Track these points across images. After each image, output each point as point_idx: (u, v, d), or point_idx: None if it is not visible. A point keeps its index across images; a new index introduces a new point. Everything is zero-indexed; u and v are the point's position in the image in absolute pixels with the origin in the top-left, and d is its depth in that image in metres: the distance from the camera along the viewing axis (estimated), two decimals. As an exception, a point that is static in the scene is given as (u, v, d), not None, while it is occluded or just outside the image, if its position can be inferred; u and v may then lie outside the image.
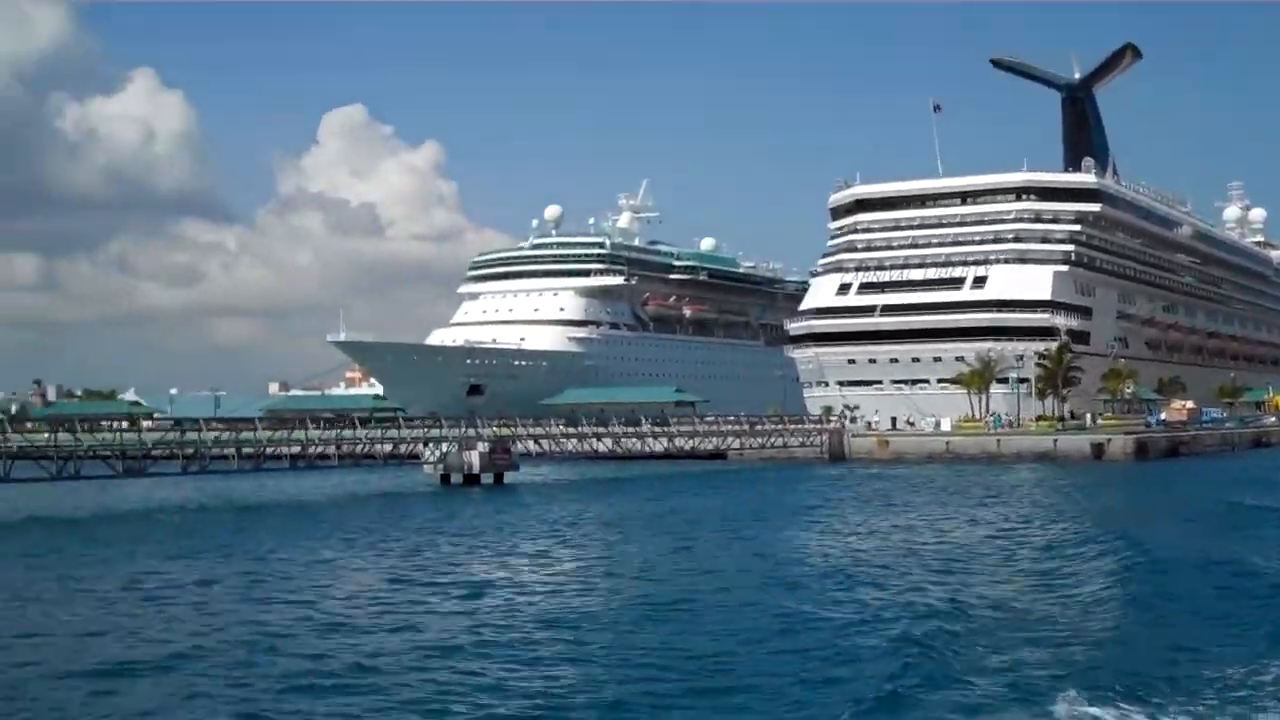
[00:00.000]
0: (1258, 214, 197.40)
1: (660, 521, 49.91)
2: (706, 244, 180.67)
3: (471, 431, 71.13)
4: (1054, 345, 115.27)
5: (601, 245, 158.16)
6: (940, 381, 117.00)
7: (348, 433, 68.80)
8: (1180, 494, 59.63)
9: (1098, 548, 37.11)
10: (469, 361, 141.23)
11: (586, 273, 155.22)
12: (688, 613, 27.61)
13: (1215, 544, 37.96)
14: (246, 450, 63.89)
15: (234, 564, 37.31)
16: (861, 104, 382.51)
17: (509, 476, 70.59)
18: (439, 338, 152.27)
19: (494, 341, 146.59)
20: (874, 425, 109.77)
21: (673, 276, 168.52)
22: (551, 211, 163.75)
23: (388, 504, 60.79)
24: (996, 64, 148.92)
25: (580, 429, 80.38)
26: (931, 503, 56.44)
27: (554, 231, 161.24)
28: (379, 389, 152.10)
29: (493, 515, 52.58)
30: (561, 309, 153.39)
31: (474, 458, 68.53)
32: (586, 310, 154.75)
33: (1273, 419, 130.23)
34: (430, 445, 70.32)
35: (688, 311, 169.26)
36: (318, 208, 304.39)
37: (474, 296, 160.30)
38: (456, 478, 69.17)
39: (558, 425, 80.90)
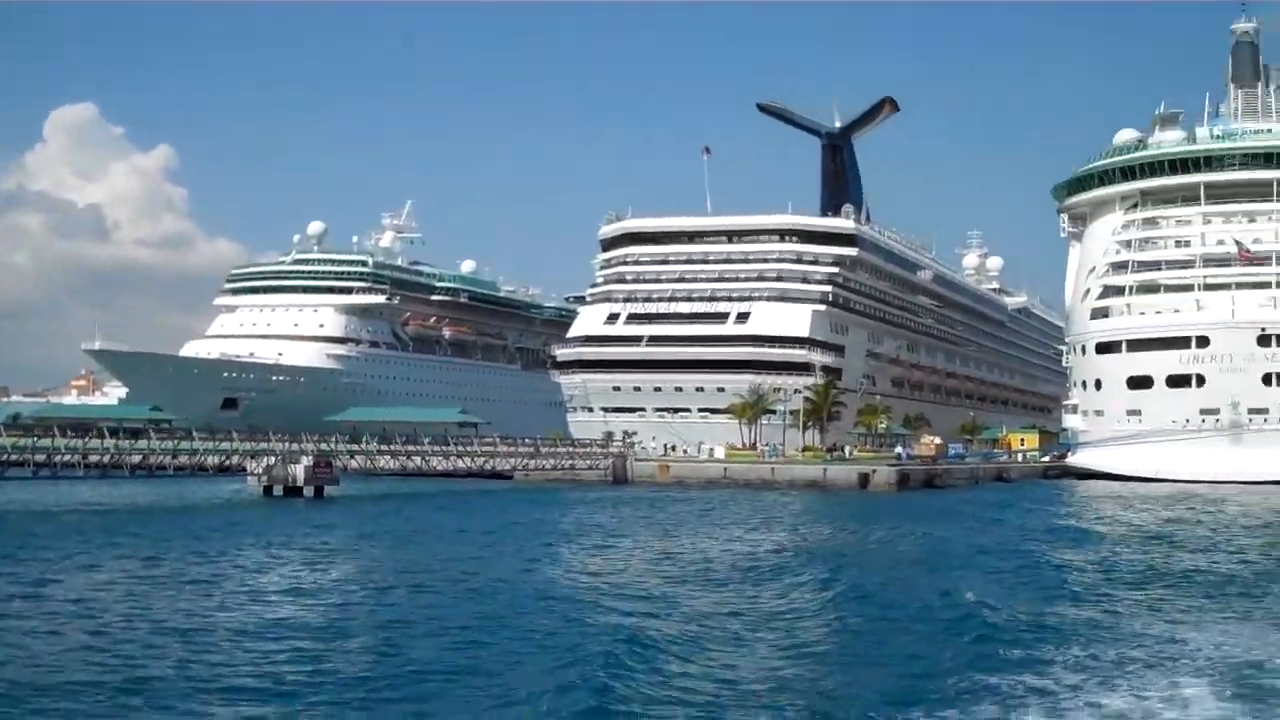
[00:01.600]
0: (994, 262, 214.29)
1: (419, 537, 53.16)
2: (467, 266, 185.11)
3: (295, 446, 74.38)
4: (809, 380, 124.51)
5: (364, 263, 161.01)
6: (714, 411, 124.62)
7: (185, 444, 71.08)
8: (971, 521, 63.75)
9: (819, 574, 38.35)
10: (226, 375, 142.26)
11: (348, 290, 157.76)
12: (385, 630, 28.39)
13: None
14: (93, 459, 66.09)
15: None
16: (631, 138, 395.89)
17: (330, 490, 74.09)
18: (193, 349, 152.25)
19: (251, 355, 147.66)
20: (653, 450, 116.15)
21: (434, 297, 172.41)
22: (315, 227, 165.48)
23: (198, 515, 62.82)
24: (762, 109, 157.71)
25: (394, 447, 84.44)
26: (696, 525, 59.45)
27: (316, 247, 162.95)
28: (112, 398, 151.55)
29: (292, 527, 55.26)
30: (321, 325, 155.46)
31: (298, 471, 71.88)
32: (347, 328, 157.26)
33: (1005, 455, 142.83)
34: (254, 458, 73.29)
35: (447, 333, 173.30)
36: (39, 208, 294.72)
37: (231, 309, 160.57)
38: (279, 490, 72.45)
39: (374, 443, 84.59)
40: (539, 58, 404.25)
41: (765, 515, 65.96)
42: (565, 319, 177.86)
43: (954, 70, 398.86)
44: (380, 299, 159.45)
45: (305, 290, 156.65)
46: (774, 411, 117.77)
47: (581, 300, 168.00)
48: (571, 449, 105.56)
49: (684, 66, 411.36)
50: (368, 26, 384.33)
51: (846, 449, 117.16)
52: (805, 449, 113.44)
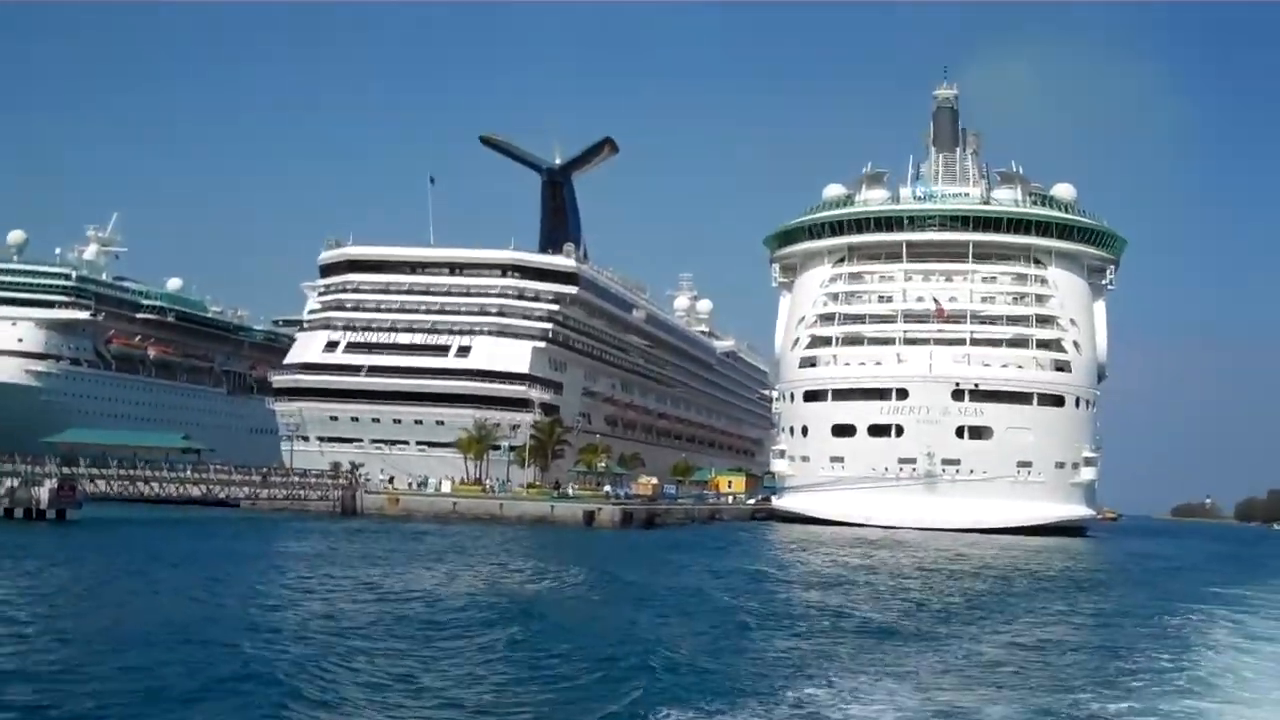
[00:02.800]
0: (704, 305, 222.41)
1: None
2: (174, 284, 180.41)
3: (39, 469, 73.03)
4: (529, 416, 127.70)
5: (67, 277, 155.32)
6: (433, 445, 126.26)
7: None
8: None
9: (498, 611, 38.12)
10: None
11: (50, 304, 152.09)
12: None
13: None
14: None
15: None
16: (351, 169, 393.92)
17: (72, 514, 73.10)
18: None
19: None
20: (379, 483, 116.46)
21: (139, 315, 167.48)
22: (15, 236, 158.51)
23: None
24: (485, 141, 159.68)
25: (133, 472, 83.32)
26: (414, 561, 58.98)
27: (16, 258, 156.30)
28: None
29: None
30: (20, 340, 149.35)
31: (42, 494, 70.83)
32: (47, 343, 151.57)
33: (714, 496, 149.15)
34: (-3, 480, 71.90)
35: (152, 353, 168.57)
36: None
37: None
38: (19, 513, 71.33)
39: (115, 467, 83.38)
40: (262, 74, 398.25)
41: (481, 552, 66.83)
42: (275, 343, 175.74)
43: (673, 117, 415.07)
44: (83, 315, 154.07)
45: (3, 303, 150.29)
46: (498, 447, 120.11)
47: (293, 324, 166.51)
48: (301, 479, 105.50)
49: (409, 92, 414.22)
50: (78, 27, 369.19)
51: (569, 487, 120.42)
52: (529, 485, 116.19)
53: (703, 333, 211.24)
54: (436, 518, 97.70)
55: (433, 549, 66.55)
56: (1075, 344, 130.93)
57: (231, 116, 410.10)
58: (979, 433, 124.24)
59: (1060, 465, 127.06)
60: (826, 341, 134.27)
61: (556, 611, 39.15)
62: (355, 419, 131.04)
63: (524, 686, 26.66)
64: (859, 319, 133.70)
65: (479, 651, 31.05)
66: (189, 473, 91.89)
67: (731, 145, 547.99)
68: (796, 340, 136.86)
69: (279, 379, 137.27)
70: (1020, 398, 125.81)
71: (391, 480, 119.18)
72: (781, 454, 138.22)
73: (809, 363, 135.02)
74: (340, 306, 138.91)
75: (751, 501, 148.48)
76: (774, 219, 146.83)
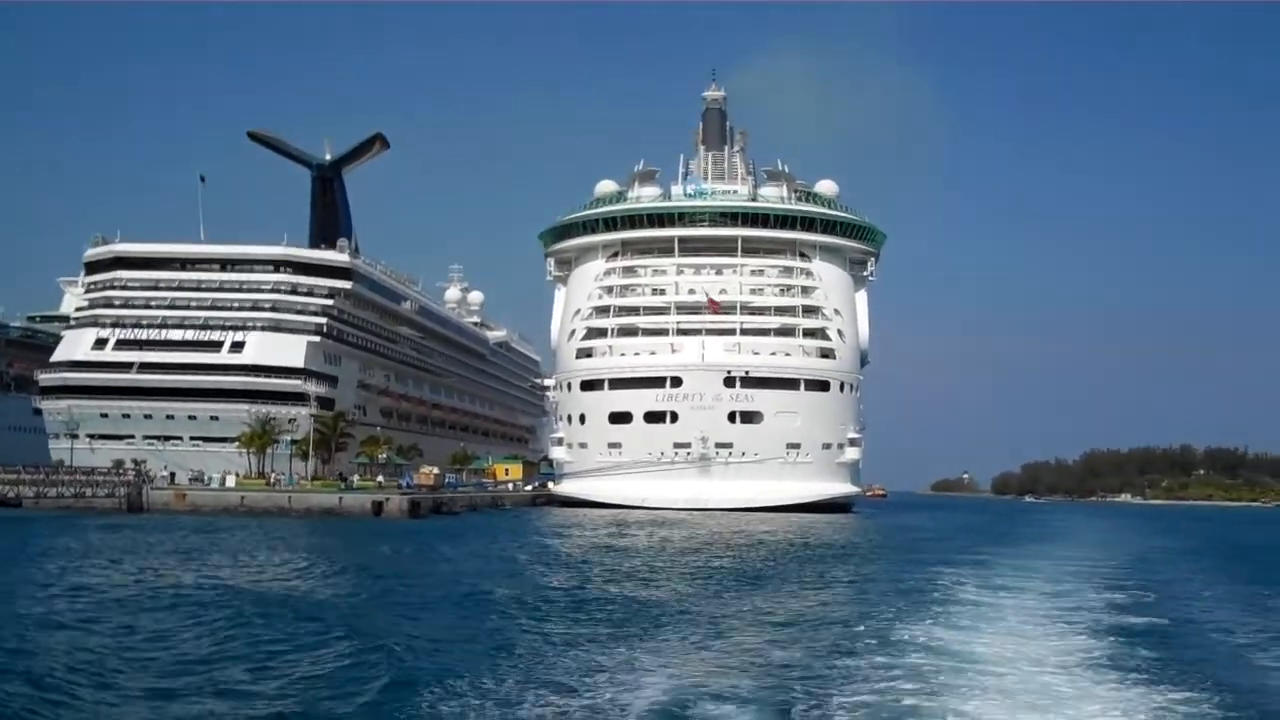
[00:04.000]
0: (476, 296, 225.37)
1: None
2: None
3: None
4: (305, 410, 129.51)
5: None
6: (208, 440, 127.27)
7: None
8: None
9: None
10: None
11: None
12: None
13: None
14: None
15: None
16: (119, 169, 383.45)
17: None
18: None
19: None
20: (162, 479, 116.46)
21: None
22: None
23: None
24: (253, 137, 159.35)
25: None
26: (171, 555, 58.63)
27: None
28: None
29: None
30: None
31: None
32: None
33: (492, 484, 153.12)
34: None
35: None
36: None
37: None
38: None
39: None
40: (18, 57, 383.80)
41: (251, 545, 66.30)
42: (34, 340, 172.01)
43: (449, 111, 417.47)
44: None
45: None
46: (279, 441, 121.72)
47: (52, 321, 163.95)
48: (87, 476, 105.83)
49: (175, 86, 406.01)
50: None
51: (353, 478, 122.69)
52: (314, 478, 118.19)
53: (475, 324, 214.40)
54: (225, 511, 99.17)
55: (206, 544, 66.70)
56: (839, 332, 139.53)
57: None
58: (750, 417, 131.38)
59: (826, 446, 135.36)
60: (602, 333, 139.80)
61: (305, 602, 38.79)
62: (127, 415, 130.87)
63: (258, 676, 25.88)
64: (634, 311, 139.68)
65: (208, 641, 30.28)
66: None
67: (507, 144, 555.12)
68: (573, 332, 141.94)
69: (46, 377, 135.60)
70: (788, 384, 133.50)
71: (173, 476, 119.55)
72: (560, 441, 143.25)
73: (585, 353, 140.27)
74: (109, 304, 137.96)
75: (530, 488, 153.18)
76: (548, 214, 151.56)
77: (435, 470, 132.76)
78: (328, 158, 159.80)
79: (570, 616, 36.21)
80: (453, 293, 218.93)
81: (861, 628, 33.80)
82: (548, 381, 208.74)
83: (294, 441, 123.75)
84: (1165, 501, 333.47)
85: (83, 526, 79.67)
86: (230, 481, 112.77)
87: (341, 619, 34.01)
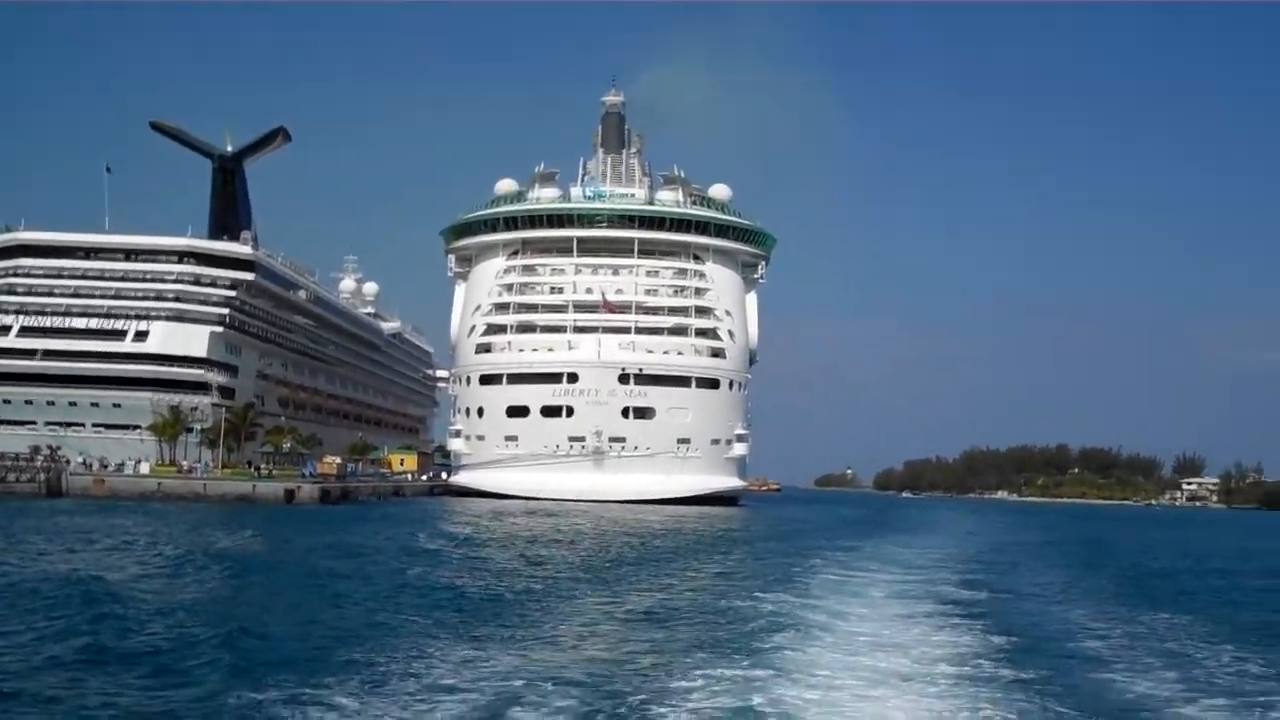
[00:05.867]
0: (370, 288, 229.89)
1: None
2: None
3: None
4: (207, 399, 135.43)
5: None
6: (109, 427, 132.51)
7: None
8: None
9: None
10: None
11: None
12: None
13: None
14: None
15: None
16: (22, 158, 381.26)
17: None
18: None
19: None
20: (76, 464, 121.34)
21: None
22: None
23: None
24: (155, 127, 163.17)
25: None
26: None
27: None
28: None
29: None
30: None
31: None
32: None
33: (388, 474, 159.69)
34: None
35: None
36: None
37: None
38: None
39: None
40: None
41: (182, 529, 69.30)
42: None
43: (355, 104, 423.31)
44: None
45: None
46: (192, 429, 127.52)
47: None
48: (14, 461, 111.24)
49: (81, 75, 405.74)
50: None
51: (262, 466, 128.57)
52: (224, 465, 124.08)
53: (369, 314, 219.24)
54: (142, 497, 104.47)
55: (133, 524, 70.72)
56: (730, 333, 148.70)
57: None
58: (643, 413, 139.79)
59: (715, 441, 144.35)
60: (501, 329, 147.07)
61: (174, 588, 39.50)
62: (29, 402, 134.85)
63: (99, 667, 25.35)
64: (532, 308, 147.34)
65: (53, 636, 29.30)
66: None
67: (408, 140, 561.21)
68: (473, 328, 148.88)
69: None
70: (680, 381, 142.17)
71: (86, 463, 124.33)
72: (458, 433, 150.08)
73: (484, 348, 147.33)
74: (12, 291, 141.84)
75: (425, 478, 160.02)
76: (447, 208, 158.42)
77: (338, 460, 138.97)
78: (229, 149, 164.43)
79: (441, 606, 36.72)
80: (348, 283, 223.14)
81: (724, 606, 37.70)
82: (440, 373, 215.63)
83: (203, 430, 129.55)
84: (1040, 499, 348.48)
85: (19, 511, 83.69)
86: (145, 469, 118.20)
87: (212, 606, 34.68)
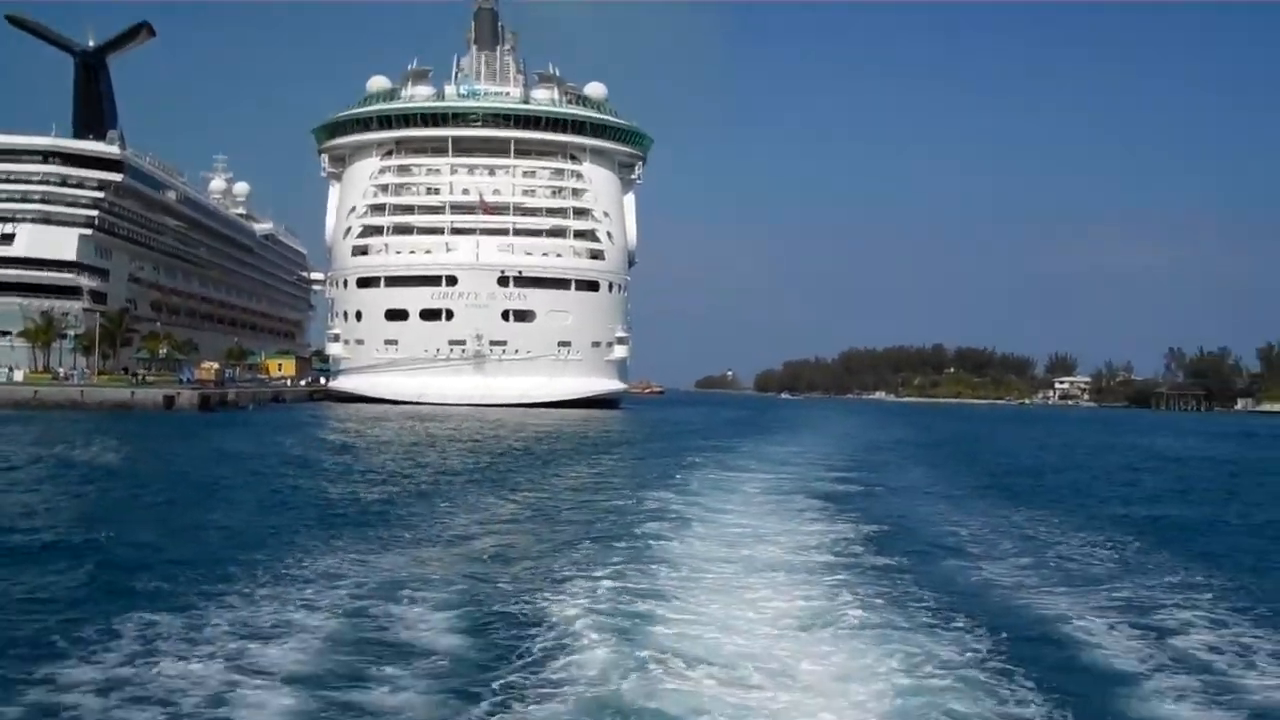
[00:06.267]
0: (241, 188, 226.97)
1: None
2: None
3: None
4: (78, 304, 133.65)
5: None
6: (6, 334, 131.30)
7: None
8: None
9: None
10: None
11: None
12: None
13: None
14: None
15: None
16: None
17: None
18: None
19: None
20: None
21: None
22: None
23: None
24: (12, 20, 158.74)
25: None
26: None
27: None
28: None
29: None
30: None
31: None
32: None
33: (267, 379, 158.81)
34: None
35: None
36: None
37: None
38: None
39: None
40: None
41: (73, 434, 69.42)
42: None
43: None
44: None
45: None
46: (66, 335, 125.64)
47: None
48: None
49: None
50: None
51: (139, 374, 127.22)
52: (101, 372, 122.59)
53: (241, 215, 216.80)
54: (17, 406, 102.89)
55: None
56: (608, 234, 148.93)
57: None
58: (523, 316, 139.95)
59: (596, 345, 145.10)
60: (378, 231, 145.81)
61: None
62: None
63: None
64: (408, 210, 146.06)
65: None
66: None
67: (278, 38, 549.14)
68: (349, 230, 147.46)
69: None
70: (559, 283, 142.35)
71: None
72: (336, 338, 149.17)
73: (361, 251, 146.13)
74: None
75: (304, 383, 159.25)
76: (319, 107, 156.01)
77: (216, 366, 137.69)
78: (91, 44, 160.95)
79: (327, 508, 36.14)
80: (217, 183, 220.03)
81: (605, 504, 37.73)
82: (316, 276, 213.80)
83: (77, 336, 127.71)
84: (917, 399, 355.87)
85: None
86: (19, 375, 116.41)
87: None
